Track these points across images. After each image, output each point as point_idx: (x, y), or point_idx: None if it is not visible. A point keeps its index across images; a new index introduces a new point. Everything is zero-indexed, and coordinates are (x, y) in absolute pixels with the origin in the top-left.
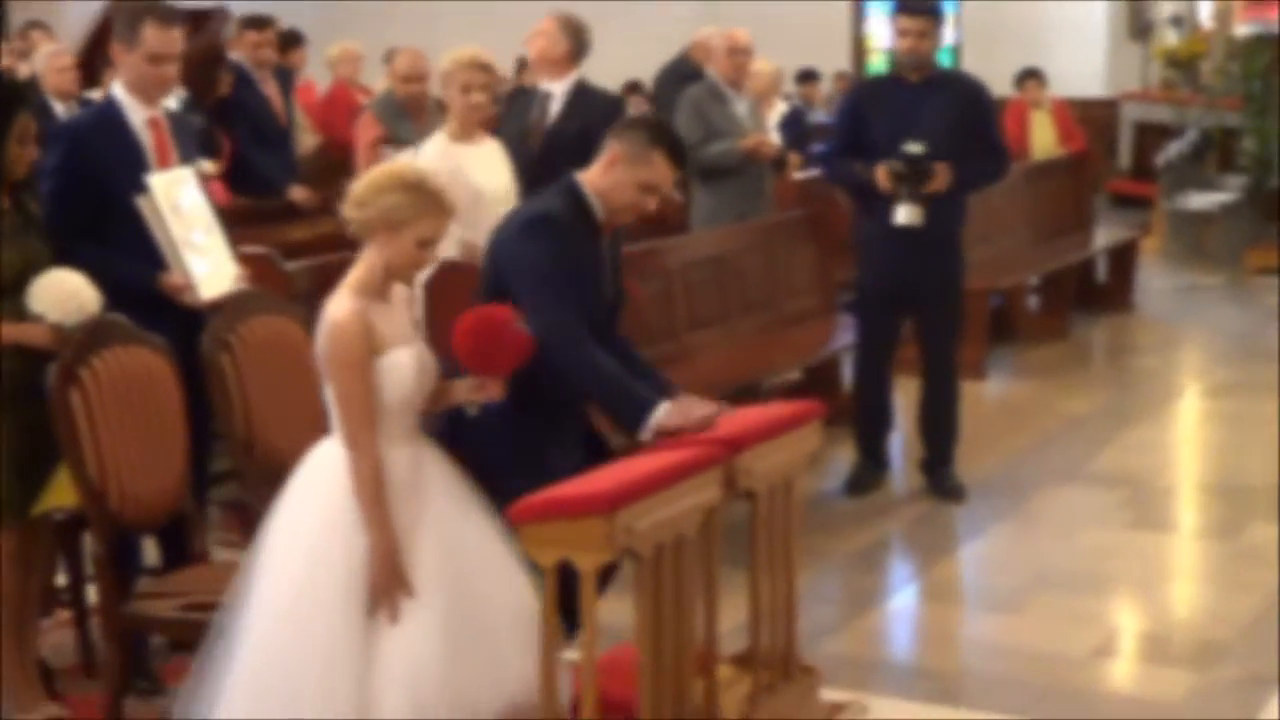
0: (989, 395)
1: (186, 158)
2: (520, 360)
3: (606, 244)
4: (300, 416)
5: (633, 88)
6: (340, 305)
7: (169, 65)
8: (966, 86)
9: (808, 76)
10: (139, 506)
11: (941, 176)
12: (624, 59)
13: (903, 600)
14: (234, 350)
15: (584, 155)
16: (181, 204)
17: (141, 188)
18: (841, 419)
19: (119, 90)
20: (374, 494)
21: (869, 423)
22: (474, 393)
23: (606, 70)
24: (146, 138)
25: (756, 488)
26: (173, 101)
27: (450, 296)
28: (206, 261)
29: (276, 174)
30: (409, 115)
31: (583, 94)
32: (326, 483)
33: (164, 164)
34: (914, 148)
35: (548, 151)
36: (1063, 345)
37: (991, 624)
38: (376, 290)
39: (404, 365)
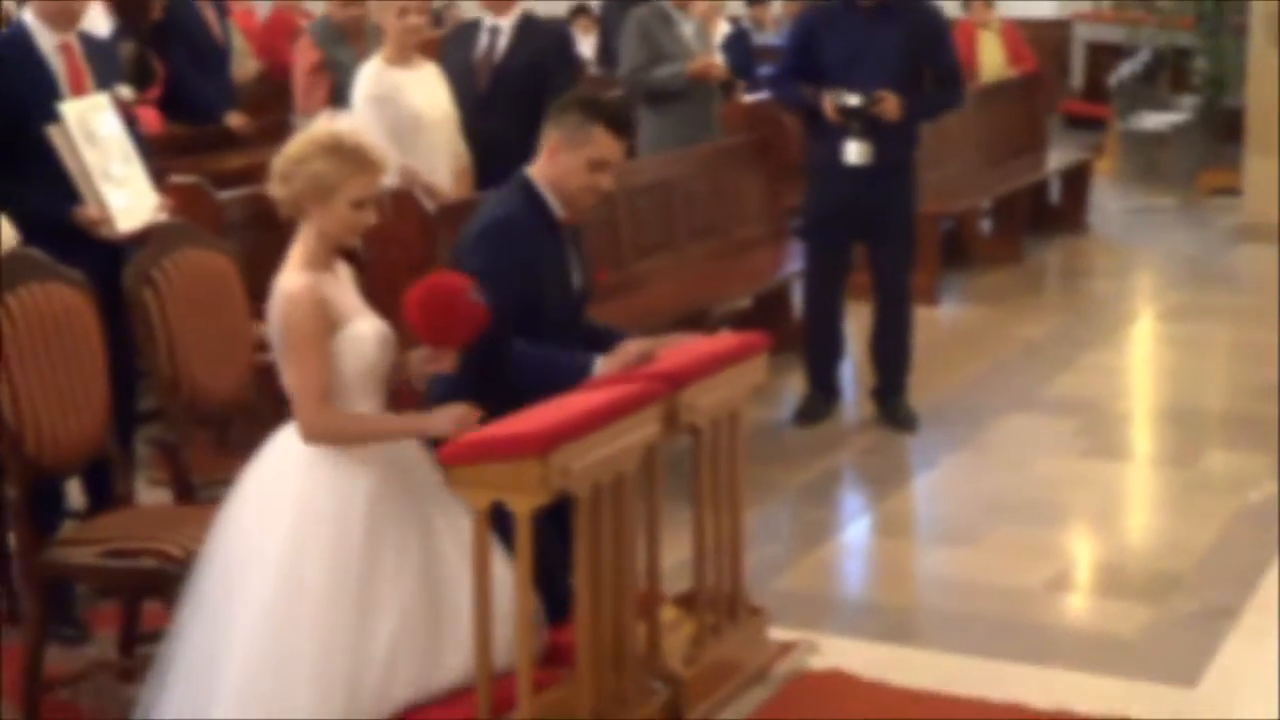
0: (942, 321)
1: (104, 84)
2: (475, 331)
3: (569, 235)
4: (228, 353)
5: (580, 10)
6: (291, 279)
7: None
8: (920, 11)
9: None
10: (58, 449)
11: (892, 106)
12: None
13: (854, 534)
14: (158, 285)
15: (532, 90)
16: (97, 133)
17: (53, 116)
18: (792, 346)
19: (29, 15)
20: (363, 430)
21: (819, 352)
22: (426, 364)
23: None
24: (58, 64)
25: (699, 423)
26: (102, 26)
27: (389, 225)
28: (124, 193)
29: (214, 100)
30: (348, 39)
31: (530, 27)
32: (293, 475)
33: (78, 91)
34: (852, 100)
35: (495, 86)
36: (1016, 269)
37: (945, 557)
38: (323, 263)
39: (365, 336)
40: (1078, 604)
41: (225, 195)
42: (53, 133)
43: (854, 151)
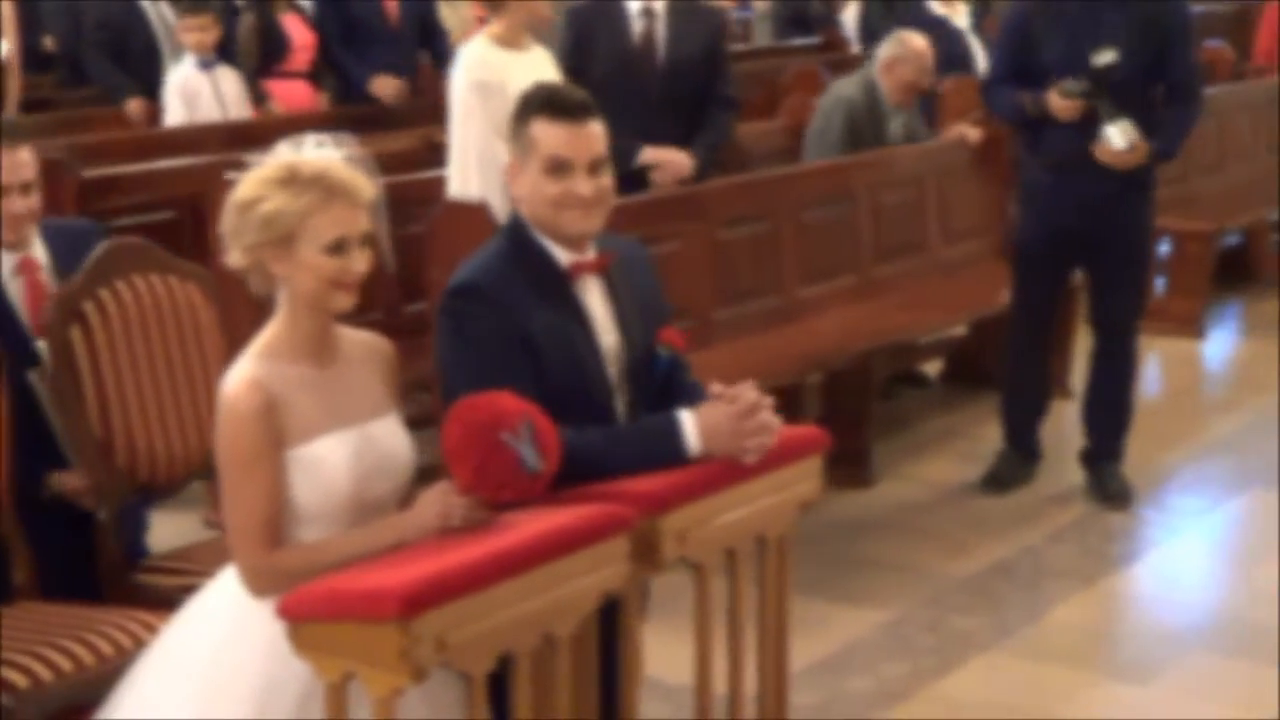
0: (1204, 358)
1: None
2: (524, 495)
3: (607, 283)
4: (188, 409)
5: None
6: (235, 374)
7: (14, 196)
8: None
9: None
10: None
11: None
12: None
13: (1003, 657)
14: (89, 321)
15: (703, 86)
16: None
17: (31, 360)
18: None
19: None
20: (320, 562)
21: (1017, 404)
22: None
23: None
24: (16, 289)
25: (697, 558)
26: None
27: (446, 239)
28: None
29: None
30: None
31: (688, 9)
32: (209, 636)
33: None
34: (1105, 57)
35: (669, 81)
36: None
37: (1106, 699)
38: (302, 349)
39: (330, 460)
40: None
41: None
42: (34, 379)
43: (1117, 135)
